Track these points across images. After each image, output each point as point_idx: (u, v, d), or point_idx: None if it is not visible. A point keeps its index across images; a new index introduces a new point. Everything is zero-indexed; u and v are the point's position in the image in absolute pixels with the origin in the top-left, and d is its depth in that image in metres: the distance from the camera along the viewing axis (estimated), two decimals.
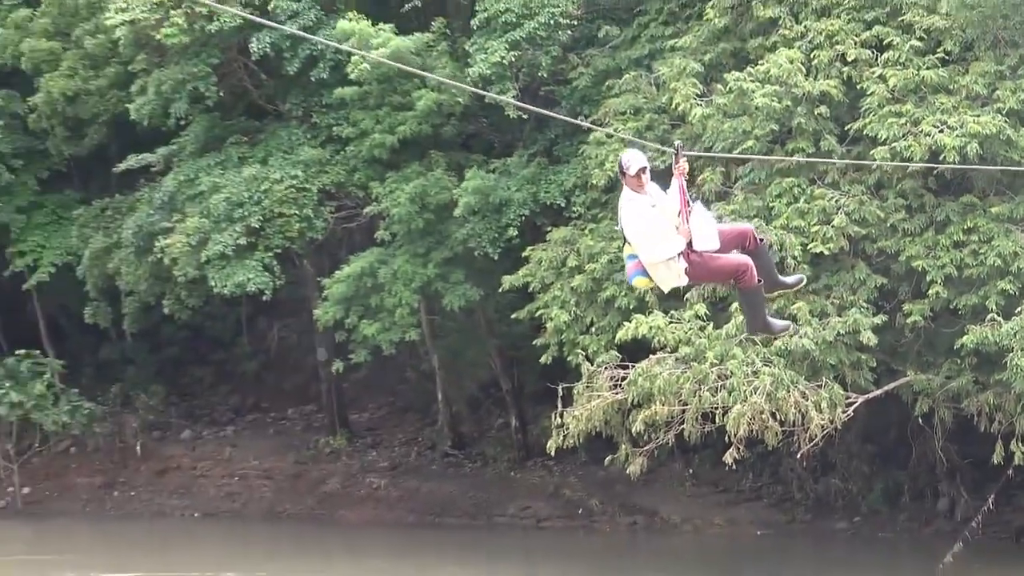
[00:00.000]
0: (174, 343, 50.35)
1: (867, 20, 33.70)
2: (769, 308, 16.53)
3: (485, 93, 35.42)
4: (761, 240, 15.36)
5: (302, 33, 38.29)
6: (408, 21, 40.36)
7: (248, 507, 47.03)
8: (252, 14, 39.35)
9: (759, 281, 14.85)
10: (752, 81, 33.30)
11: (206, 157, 41.53)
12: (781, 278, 16.12)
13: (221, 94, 41.59)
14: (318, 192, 40.51)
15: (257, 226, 39.65)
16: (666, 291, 16.38)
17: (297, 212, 40.03)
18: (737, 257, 14.80)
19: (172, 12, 38.92)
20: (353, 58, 37.55)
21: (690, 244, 14.44)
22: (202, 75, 40.75)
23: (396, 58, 37.65)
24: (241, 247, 39.47)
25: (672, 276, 14.67)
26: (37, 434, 48.82)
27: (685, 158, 14.27)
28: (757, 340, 31.30)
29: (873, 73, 32.77)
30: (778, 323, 16.86)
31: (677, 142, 14.95)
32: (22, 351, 48.10)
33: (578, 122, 35.67)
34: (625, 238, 14.76)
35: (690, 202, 14.43)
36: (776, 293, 17.44)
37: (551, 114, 33.85)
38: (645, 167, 14.33)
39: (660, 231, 14.41)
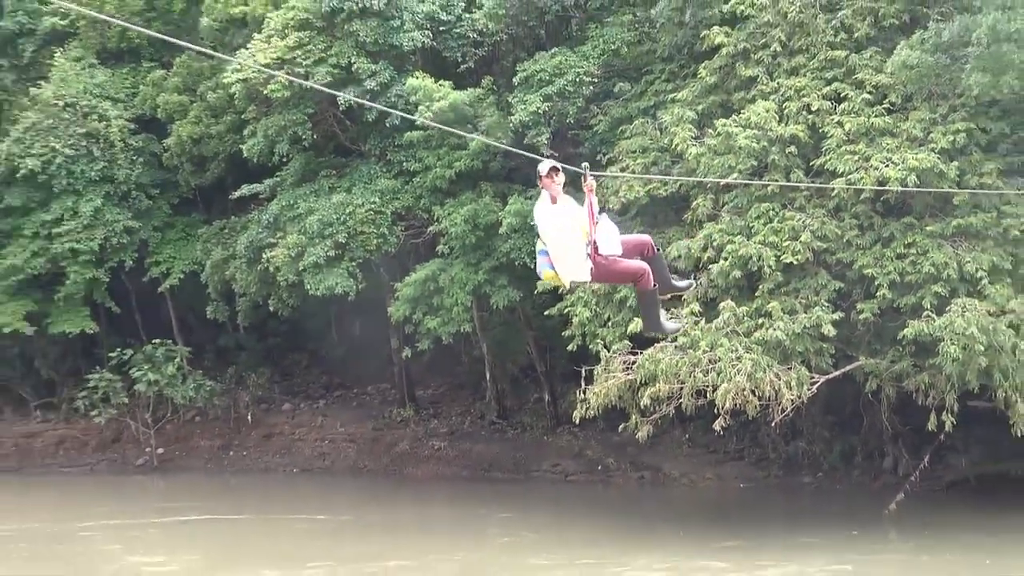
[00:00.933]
0: (277, 334, 50.36)
1: (827, 78, 33.66)
2: (665, 309, 16.28)
3: (511, 149, 34.82)
4: (657, 250, 15.17)
5: (365, 102, 38.45)
6: (463, 79, 40.37)
7: (335, 464, 47.14)
8: (339, 74, 39.74)
9: (654, 285, 14.67)
10: (736, 126, 33.33)
11: (303, 187, 41.76)
12: (674, 282, 15.80)
13: (315, 137, 41.87)
14: (391, 214, 40.69)
15: (343, 241, 39.83)
16: (568, 285, 15.76)
17: (375, 230, 40.22)
18: (637, 263, 14.66)
19: (276, 73, 39.22)
20: (419, 109, 37.71)
21: (597, 248, 14.35)
22: (300, 122, 41.00)
23: (453, 108, 37.90)
24: (330, 258, 39.64)
25: (577, 273, 14.52)
26: (169, 406, 49.05)
27: (592, 177, 14.30)
28: (740, 332, 31.44)
29: (832, 120, 32.74)
30: (670, 325, 16.49)
31: (584, 164, 14.86)
32: (157, 340, 48.34)
33: (576, 169, 35.77)
34: (538, 235, 14.72)
35: (597, 214, 14.41)
36: (669, 295, 17.35)
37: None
38: (557, 168, 14.48)
39: (568, 236, 14.38)
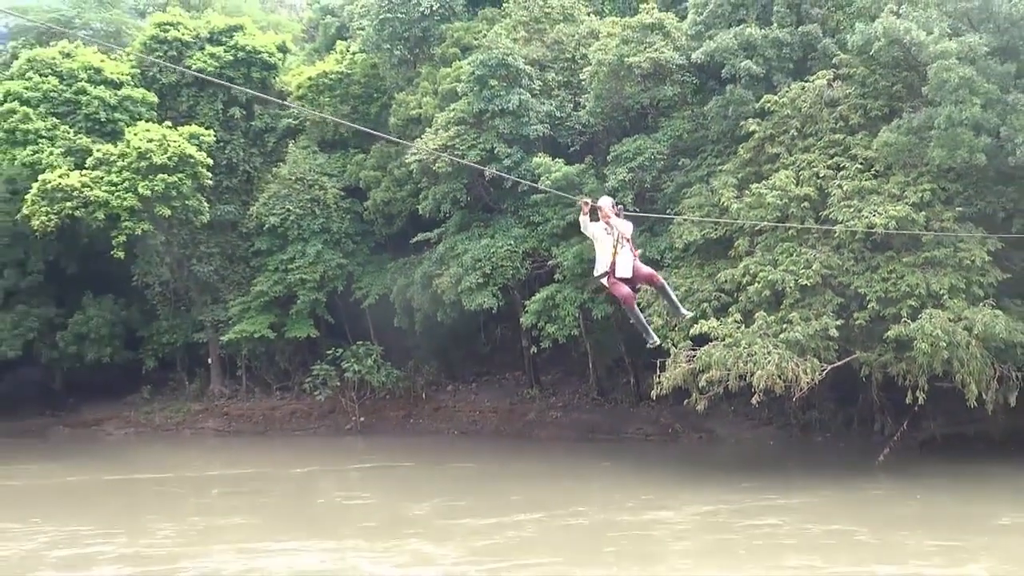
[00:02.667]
0: (443, 337, 49.86)
1: (830, 153, 33.78)
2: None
3: (596, 205, 34.81)
4: (661, 283, 15.18)
5: (504, 175, 38.75)
6: (572, 157, 40.45)
7: (483, 429, 47.04)
8: (485, 155, 40.10)
9: (635, 306, 14.85)
10: (765, 188, 33.55)
11: (460, 234, 42.19)
12: (681, 309, 15.98)
13: (468, 199, 42.28)
14: (522, 253, 40.91)
15: (489, 272, 40.25)
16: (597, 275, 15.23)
17: (511, 264, 40.58)
18: (626, 291, 14.69)
19: (442, 155, 39.78)
20: (541, 178, 37.98)
21: (615, 270, 14.54)
22: (458, 189, 41.50)
23: (565, 178, 38.12)
24: (480, 283, 40.05)
25: (600, 272, 14.74)
26: (368, 388, 49.06)
27: (612, 209, 14.56)
28: (769, 334, 31.46)
29: (834, 183, 32.88)
30: (651, 339, 15.73)
31: (613, 200, 15.06)
32: (360, 342, 48.68)
33: (652, 214, 35.91)
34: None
35: (619, 242, 14.48)
36: (675, 320, 17.29)
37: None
38: (600, 207, 14.64)
39: (602, 246, 14.57)
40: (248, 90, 46.90)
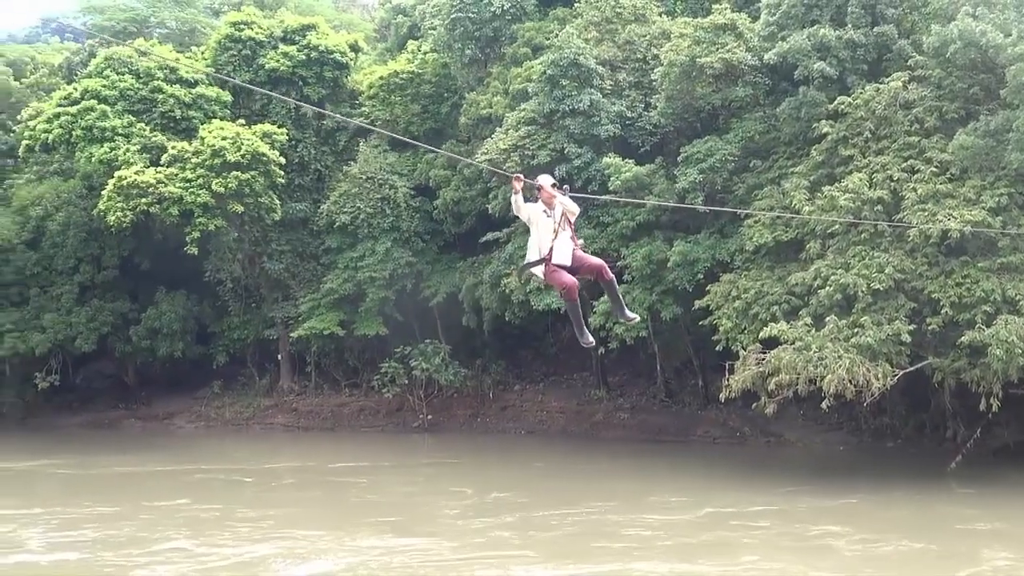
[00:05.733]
0: (511, 337, 50.52)
1: (905, 156, 33.71)
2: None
3: (667, 203, 35.02)
4: (610, 278, 13.26)
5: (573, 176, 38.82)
6: (642, 158, 40.54)
7: (550, 429, 47.29)
8: (555, 155, 40.35)
9: (577, 300, 12.78)
10: (838, 191, 33.56)
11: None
12: (626, 311, 13.80)
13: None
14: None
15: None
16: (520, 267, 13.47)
17: None
18: (568, 279, 12.68)
19: (512, 154, 40.11)
20: (611, 179, 38.25)
21: (551, 256, 12.75)
22: (528, 188, 41.75)
23: (635, 179, 38.36)
24: (547, 284, 39.88)
25: (533, 260, 12.94)
26: (436, 386, 49.41)
27: (552, 191, 12.83)
28: (840, 338, 31.44)
29: (909, 186, 32.81)
30: (585, 337, 13.45)
31: (555, 181, 13.25)
32: (428, 340, 48.95)
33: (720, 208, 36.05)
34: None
35: (560, 225, 12.79)
36: (621, 321, 15.24)
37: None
38: (540, 186, 12.95)
39: (538, 230, 12.87)
40: (296, 101, 47.57)
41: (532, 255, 12.98)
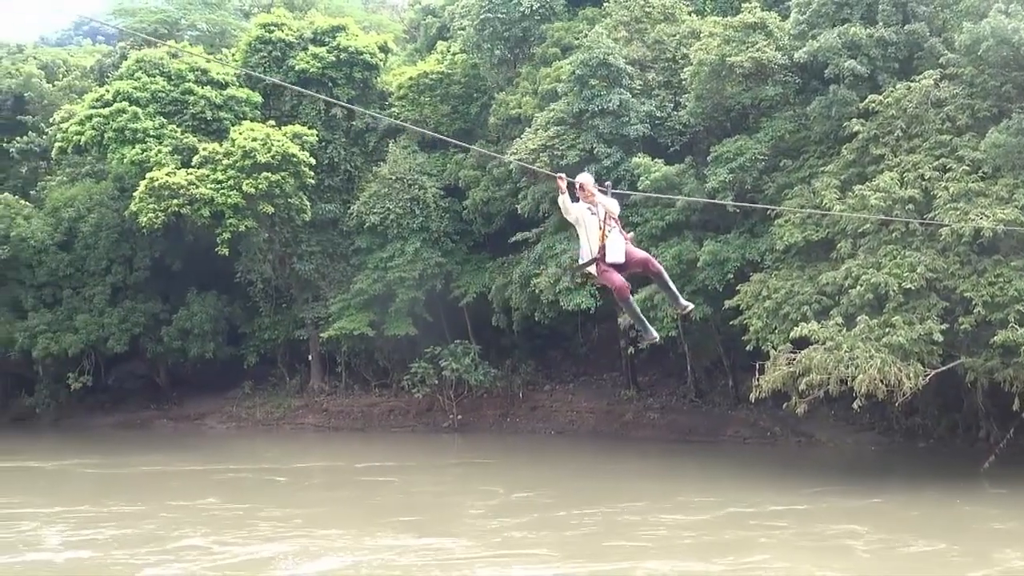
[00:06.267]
0: (540, 336, 50.53)
1: (936, 155, 33.59)
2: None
3: (701, 199, 34.93)
4: (658, 269, 13.06)
5: (601, 177, 38.82)
6: (672, 157, 40.70)
7: (580, 429, 47.39)
8: (584, 155, 40.43)
9: (630, 297, 12.66)
10: (868, 190, 33.48)
11: (559, 234, 41.80)
12: (680, 300, 13.42)
13: None
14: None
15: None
16: (582, 263, 12.97)
17: None
18: (619, 279, 12.55)
19: (541, 154, 40.13)
20: (640, 179, 38.30)
21: (604, 255, 12.58)
22: (552, 190, 41.78)
23: (664, 178, 38.34)
24: (578, 284, 39.45)
25: (586, 259, 12.69)
26: (465, 386, 49.52)
27: (585, 188, 12.62)
28: (872, 337, 31.36)
29: (940, 185, 32.69)
30: (650, 333, 13.53)
31: (607, 183, 13.34)
32: (458, 341, 49.18)
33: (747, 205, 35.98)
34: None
35: (606, 223, 12.54)
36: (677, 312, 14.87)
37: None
38: (582, 184, 12.75)
39: (586, 230, 12.64)
40: (333, 100, 47.73)
41: (584, 255, 12.83)
